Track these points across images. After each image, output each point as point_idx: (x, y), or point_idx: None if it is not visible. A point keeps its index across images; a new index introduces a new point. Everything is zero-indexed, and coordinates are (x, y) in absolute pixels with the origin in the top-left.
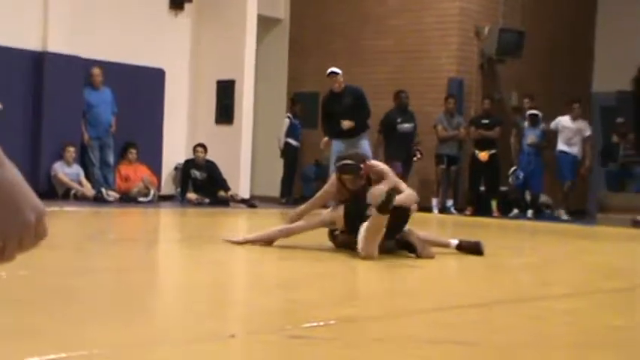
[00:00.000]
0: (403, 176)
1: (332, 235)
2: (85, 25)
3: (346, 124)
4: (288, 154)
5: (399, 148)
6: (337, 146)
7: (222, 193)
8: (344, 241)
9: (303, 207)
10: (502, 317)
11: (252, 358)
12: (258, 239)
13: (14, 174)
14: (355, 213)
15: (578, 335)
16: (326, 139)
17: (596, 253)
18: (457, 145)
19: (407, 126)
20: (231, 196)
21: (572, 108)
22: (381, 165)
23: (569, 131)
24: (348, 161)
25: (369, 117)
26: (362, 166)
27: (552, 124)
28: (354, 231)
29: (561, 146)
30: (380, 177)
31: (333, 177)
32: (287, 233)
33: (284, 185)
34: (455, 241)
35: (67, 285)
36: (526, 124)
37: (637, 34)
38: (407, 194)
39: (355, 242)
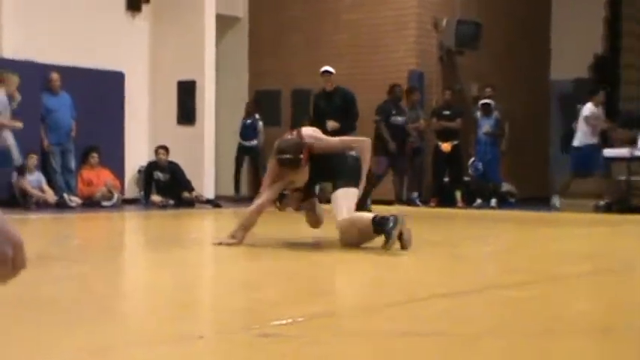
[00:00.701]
0: (395, 172)
1: (280, 197)
2: (39, 29)
3: (331, 124)
4: (238, 153)
5: (392, 141)
6: None
7: (186, 194)
8: (294, 200)
9: (263, 198)
10: (469, 307)
11: (221, 358)
12: (241, 229)
13: None
14: (319, 172)
15: (545, 322)
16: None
17: (558, 240)
18: (417, 139)
19: (400, 119)
20: (196, 196)
21: (598, 95)
22: (317, 137)
23: (596, 119)
24: (287, 156)
25: (356, 120)
26: (301, 156)
27: (586, 112)
28: (312, 187)
29: (588, 138)
30: (327, 148)
31: (272, 162)
32: (260, 210)
33: (235, 182)
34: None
35: (32, 292)
36: (479, 113)
37: (592, 21)
38: (365, 147)
39: (308, 201)
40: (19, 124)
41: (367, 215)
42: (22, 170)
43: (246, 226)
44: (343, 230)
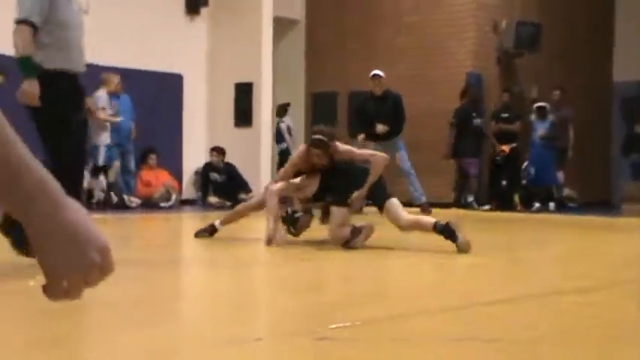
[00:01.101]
0: (464, 174)
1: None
2: (101, 32)
3: (381, 128)
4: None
5: (473, 144)
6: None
7: (243, 196)
8: (298, 204)
9: (280, 182)
10: (526, 312)
11: None
12: (272, 221)
13: (77, 214)
14: (328, 185)
15: (604, 329)
16: (362, 135)
17: (621, 245)
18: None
19: (480, 121)
20: (252, 197)
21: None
22: (346, 147)
23: None
24: (320, 136)
25: (404, 123)
26: (331, 143)
27: None
28: (319, 200)
29: None
30: (346, 155)
31: (301, 147)
32: (277, 195)
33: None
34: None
35: (93, 293)
36: (534, 116)
37: None
38: (376, 161)
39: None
40: (117, 119)
41: (429, 219)
42: (96, 171)
43: (258, 208)
44: (407, 228)
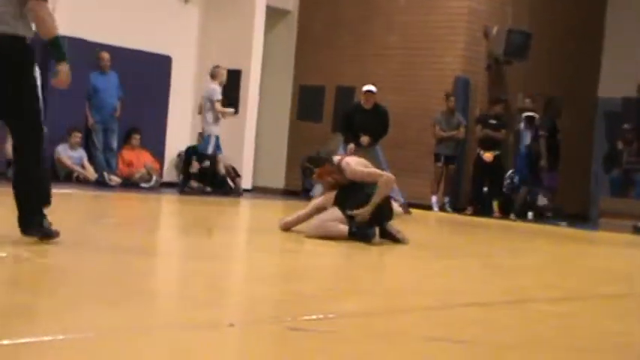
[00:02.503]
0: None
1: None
2: (90, 8)
3: (365, 140)
4: None
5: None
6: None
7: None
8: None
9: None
10: (500, 317)
11: (249, 348)
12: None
13: None
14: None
15: (574, 339)
16: (352, 146)
17: (596, 258)
18: (454, 145)
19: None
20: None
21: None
22: (353, 164)
23: None
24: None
25: (386, 134)
26: (315, 170)
27: None
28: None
29: None
30: (354, 176)
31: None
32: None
33: None
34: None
35: (66, 267)
36: (522, 125)
37: None
38: (383, 183)
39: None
40: (231, 110)
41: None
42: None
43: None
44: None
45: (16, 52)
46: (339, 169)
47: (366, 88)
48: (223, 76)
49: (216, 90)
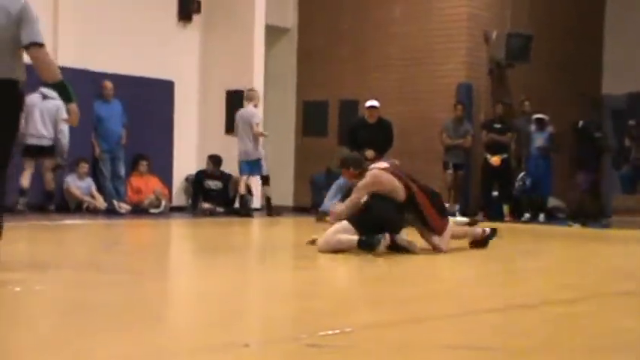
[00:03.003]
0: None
1: None
2: (93, 38)
3: (370, 154)
4: None
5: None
6: None
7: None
8: None
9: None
10: (519, 322)
11: None
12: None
13: None
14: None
15: (593, 339)
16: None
17: (610, 256)
18: (462, 153)
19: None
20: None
21: None
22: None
23: None
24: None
25: (391, 147)
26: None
27: None
28: None
29: None
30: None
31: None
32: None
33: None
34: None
35: (81, 298)
36: (533, 127)
37: None
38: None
39: None
40: (266, 133)
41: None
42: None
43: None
44: None
45: (10, 95)
46: (360, 174)
47: (369, 103)
48: (258, 98)
49: (256, 113)
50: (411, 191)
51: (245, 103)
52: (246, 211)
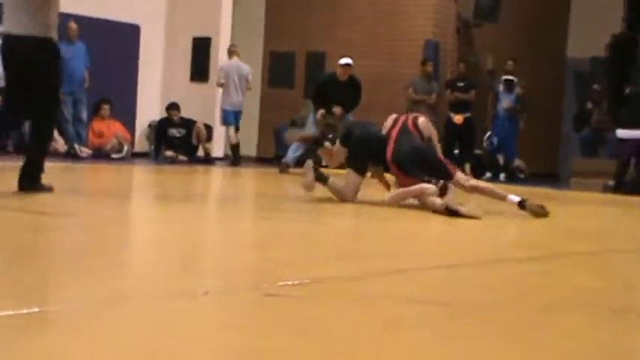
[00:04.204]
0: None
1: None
2: None
3: (338, 110)
4: None
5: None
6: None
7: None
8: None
9: None
10: (474, 278)
11: (225, 316)
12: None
13: None
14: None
15: (549, 296)
16: (322, 111)
17: (568, 217)
18: (426, 110)
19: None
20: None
21: None
22: None
23: None
24: None
25: (358, 105)
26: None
27: None
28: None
29: None
30: None
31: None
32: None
33: None
34: (516, 199)
35: (38, 240)
36: (501, 88)
37: (612, 1)
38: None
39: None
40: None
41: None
42: None
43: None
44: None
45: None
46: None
47: (343, 61)
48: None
49: (249, 68)
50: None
51: (230, 56)
52: (238, 161)
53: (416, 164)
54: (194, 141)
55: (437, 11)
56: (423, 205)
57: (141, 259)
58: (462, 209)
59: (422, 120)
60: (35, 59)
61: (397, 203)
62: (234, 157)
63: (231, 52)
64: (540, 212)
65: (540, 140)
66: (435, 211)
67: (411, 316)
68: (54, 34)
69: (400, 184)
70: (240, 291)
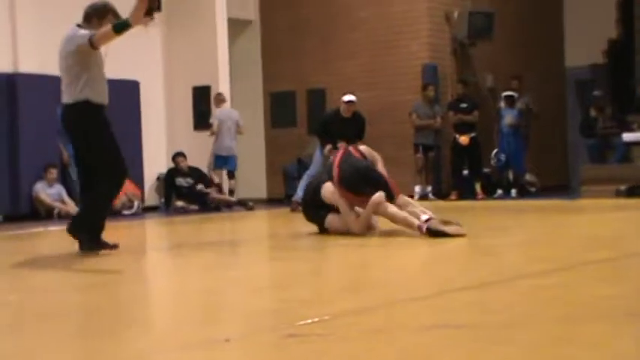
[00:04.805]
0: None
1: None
2: (55, 42)
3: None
4: None
5: None
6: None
7: (213, 196)
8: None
9: None
10: (493, 298)
11: None
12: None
13: None
14: None
15: (568, 308)
16: (329, 147)
17: (581, 226)
18: (433, 134)
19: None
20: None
21: None
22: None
23: None
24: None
25: (362, 139)
26: None
27: None
28: None
29: None
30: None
31: None
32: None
33: None
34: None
35: (57, 305)
36: (502, 105)
37: (605, 6)
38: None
39: None
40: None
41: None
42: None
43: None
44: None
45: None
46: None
47: (347, 98)
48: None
49: (238, 113)
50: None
51: (219, 104)
52: (245, 203)
53: (363, 182)
54: (204, 187)
55: (431, 35)
56: (385, 217)
57: (160, 314)
58: (447, 229)
59: (364, 147)
60: (80, 122)
61: (366, 228)
62: (240, 202)
63: (219, 101)
64: (447, 231)
65: (548, 153)
66: (397, 222)
67: (434, 342)
68: (94, 99)
69: (352, 206)
70: (261, 334)
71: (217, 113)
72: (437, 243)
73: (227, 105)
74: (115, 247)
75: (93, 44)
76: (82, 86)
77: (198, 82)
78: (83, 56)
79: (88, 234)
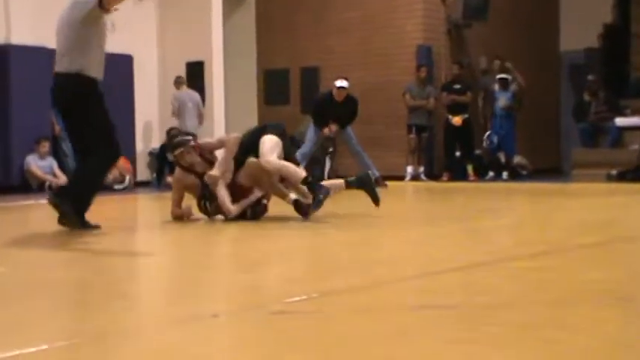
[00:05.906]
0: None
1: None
2: (49, 14)
3: (333, 128)
4: None
5: None
6: (317, 132)
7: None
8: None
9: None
10: (481, 279)
11: (236, 337)
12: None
13: None
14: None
15: (557, 291)
16: (327, 129)
17: (572, 210)
18: (426, 114)
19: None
20: None
21: None
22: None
23: None
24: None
25: (354, 120)
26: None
27: None
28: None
29: None
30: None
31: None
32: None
33: None
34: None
35: (45, 277)
36: (496, 87)
37: None
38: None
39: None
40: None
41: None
42: None
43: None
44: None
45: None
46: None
47: (338, 84)
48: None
49: (199, 96)
50: None
51: (179, 87)
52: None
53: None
54: None
55: (426, 15)
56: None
57: (146, 288)
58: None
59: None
60: (72, 94)
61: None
62: None
63: (179, 83)
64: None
65: (540, 136)
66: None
67: (422, 322)
68: (87, 72)
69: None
70: (248, 311)
71: (177, 94)
72: (427, 224)
73: (185, 87)
74: (97, 227)
75: (104, 6)
76: (77, 56)
77: (192, 57)
78: (90, 23)
79: (72, 207)
